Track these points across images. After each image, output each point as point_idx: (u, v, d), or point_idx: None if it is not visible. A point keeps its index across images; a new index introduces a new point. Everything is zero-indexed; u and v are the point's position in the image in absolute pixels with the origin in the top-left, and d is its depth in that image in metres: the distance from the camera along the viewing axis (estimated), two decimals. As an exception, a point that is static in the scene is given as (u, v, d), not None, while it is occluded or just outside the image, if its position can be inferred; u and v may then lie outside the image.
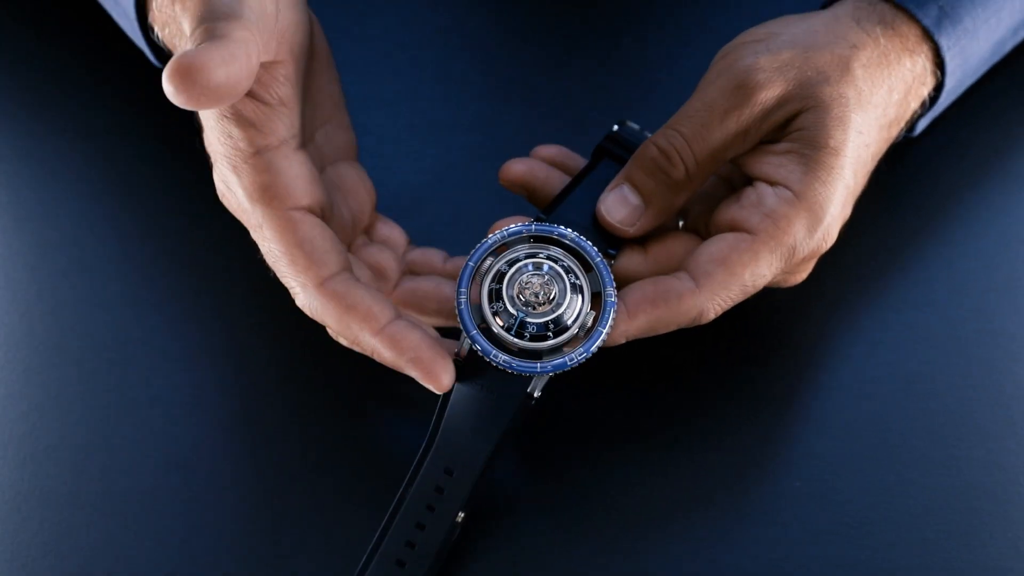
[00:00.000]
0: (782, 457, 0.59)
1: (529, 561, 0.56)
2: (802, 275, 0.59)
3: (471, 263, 0.54)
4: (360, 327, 0.54)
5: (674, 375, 0.61)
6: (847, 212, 0.57)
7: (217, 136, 0.54)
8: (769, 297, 0.60)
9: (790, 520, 0.57)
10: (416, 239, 0.64)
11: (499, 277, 0.54)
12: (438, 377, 0.53)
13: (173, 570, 0.56)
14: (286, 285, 0.56)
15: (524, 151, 0.63)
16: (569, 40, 0.73)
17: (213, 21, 0.51)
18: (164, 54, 0.64)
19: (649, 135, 0.60)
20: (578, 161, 0.62)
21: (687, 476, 0.58)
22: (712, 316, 0.55)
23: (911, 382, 0.61)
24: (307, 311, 0.55)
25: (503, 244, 0.55)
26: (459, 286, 0.54)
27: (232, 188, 0.55)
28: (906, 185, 0.67)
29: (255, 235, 0.56)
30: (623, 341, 0.55)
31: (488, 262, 0.55)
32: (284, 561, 0.56)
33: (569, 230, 0.55)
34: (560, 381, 0.60)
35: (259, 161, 0.54)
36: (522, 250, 0.55)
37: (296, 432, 0.60)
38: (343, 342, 0.56)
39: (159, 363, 0.61)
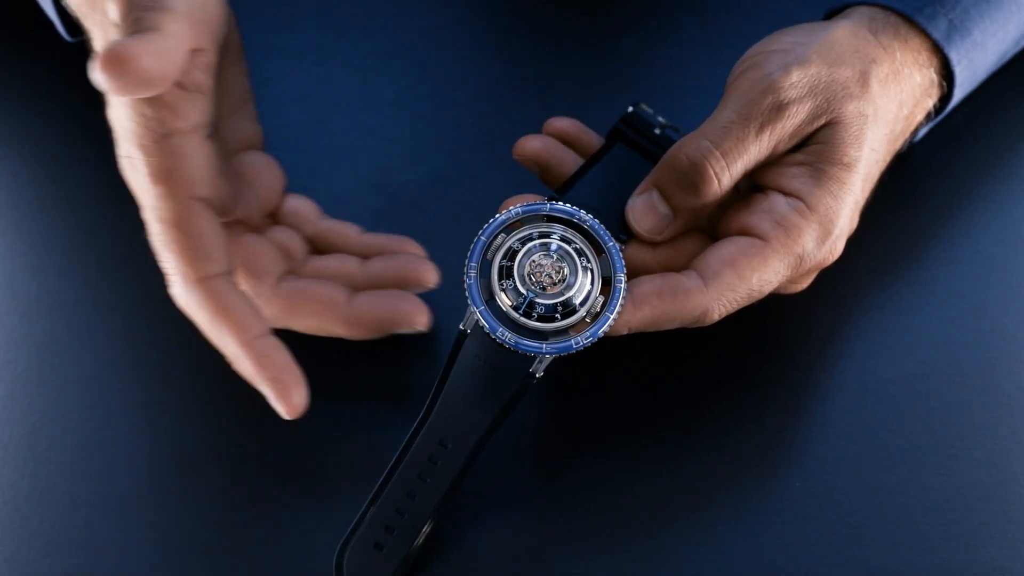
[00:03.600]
0: (782, 457, 0.59)
1: (529, 560, 0.56)
2: (803, 284, 0.59)
3: (483, 237, 0.54)
4: (230, 333, 0.54)
5: (674, 375, 0.61)
6: (854, 225, 0.57)
7: (127, 112, 0.54)
8: (771, 298, 0.60)
9: (790, 520, 0.57)
10: (416, 239, 0.64)
11: (511, 255, 0.54)
12: (287, 399, 0.54)
13: (173, 569, 0.56)
14: (165, 270, 0.55)
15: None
16: (570, 39, 0.73)
17: (143, 10, 0.51)
18: (76, 27, 0.62)
19: (662, 120, 0.60)
20: (592, 137, 0.62)
21: (688, 476, 0.58)
22: (716, 317, 0.55)
23: (911, 383, 0.61)
24: (179, 302, 0.55)
25: (516, 221, 0.55)
26: (469, 259, 0.54)
27: (136, 166, 0.54)
28: (906, 186, 0.67)
29: (147, 215, 0.55)
30: (625, 332, 0.55)
31: (500, 238, 0.54)
32: (282, 553, 0.56)
33: (584, 212, 0.55)
34: (560, 379, 0.61)
35: (167, 144, 0.54)
36: (535, 229, 0.55)
37: (295, 427, 0.59)
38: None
39: (159, 363, 0.61)
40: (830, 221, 0.55)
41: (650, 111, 0.61)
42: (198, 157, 0.54)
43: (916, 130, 0.62)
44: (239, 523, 0.57)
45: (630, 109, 0.61)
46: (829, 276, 0.61)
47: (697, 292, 0.54)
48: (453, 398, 0.55)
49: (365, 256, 0.61)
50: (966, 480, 0.58)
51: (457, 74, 0.72)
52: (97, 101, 0.70)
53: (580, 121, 0.63)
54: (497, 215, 0.55)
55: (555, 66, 0.72)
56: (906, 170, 0.67)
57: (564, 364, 0.57)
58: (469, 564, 0.56)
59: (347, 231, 0.62)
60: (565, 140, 0.62)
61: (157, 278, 0.64)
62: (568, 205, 0.55)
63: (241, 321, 0.54)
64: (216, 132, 0.57)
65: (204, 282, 0.54)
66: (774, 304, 0.62)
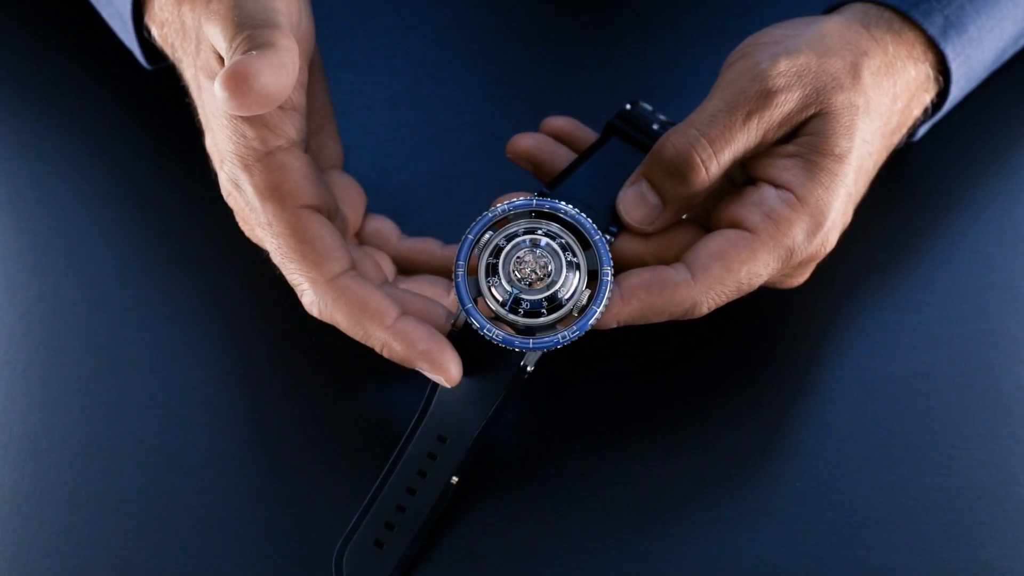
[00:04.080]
0: (782, 457, 0.59)
1: (528, 558, 0.56)
2: (800, 279, 0.59)
3: (470, 236, 0.55)
4: (371, 323, 0.54)
5: (673, 374, 0.61)
6: (847, 218, 0.57)
7: (228, 135, 0.55)
8: (770, 296, 0.60)
9: (790, 520, 0.57)
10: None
11: (497, 252, 0.54)
12: (447, 369, 0.54)
13: (173, 569, 0.56)
14: (293, 283, 0.56)
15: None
16: (570, 39, 0.73)
17: (254, 28, 0.52)
18: (156, 54, 0.64)
19: (662, 117, 0.60)
20: (588, 134, 0.62)
21: (687, 475, 0.58)
22: (706, 310, 0.55)
23: (911, 382, 0.61)
24: (315, 310, 0.55)
25: (504, 218, 0.55)
26: (457, 258, 0.54)
27: (242, 186, 0.55)
28: (906, 185, 0.67)
29: (262, 234, 0.56)
30: (614, 325, 0.55)
31: (488, 236, 0.55)
32: (283, 553, 0.56)
33: (570, 206, 0.55)
34: (560, 376, 0.61)
35: (271, 160, 0.55)
36: (521, 225, 0.55)
37: (294, 427, 0.60)
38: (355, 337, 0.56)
39: (158, 363, 0.61)
40: (821, 213, 0.55)
41: (649, 108, 0.61)
42: (300, 170, 0.55)
43: (915, 127, 0.62)
44: (239, 523, 0.57)
45: (628, 106, 0.61)
46: (828, 274, 0.61)
47: (685, 285, 0.54)
48: (448, 395, 0.55)
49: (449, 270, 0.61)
50: (966, 480, 0.58)
51: (457, 74, 0.72)
52: (99, 102, 0.70)
53: (577, 120, 0.63)
54: (485, 213, 0.55)
55: (555, 66, 0.72)
56: (905, 169, 0.67)
57: (562, 359, 0.57)
58: (465, 559, 0.56)
59: (429, 247, 0.62)
60: (561, 138, 0.62)
61: (156, 278, 0.64)
62: (554, 200, 0.55)
63: (379, 309, 0.54)
64: (307, 149, 0.58)
65: (334, 282, 0.55)
66: (773, 302, 0.62)
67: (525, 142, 0.61)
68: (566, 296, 0.54)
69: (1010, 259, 0.64)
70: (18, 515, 0.57)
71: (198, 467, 0.58)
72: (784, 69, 0.55)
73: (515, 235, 0.54)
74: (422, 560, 0.56)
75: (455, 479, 0.55)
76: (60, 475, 0.58)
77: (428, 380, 0.55)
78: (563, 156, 0.61)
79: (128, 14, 0.62)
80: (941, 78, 0.61)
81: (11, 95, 0.71)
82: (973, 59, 0.61)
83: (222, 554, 0.56)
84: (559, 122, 0.62)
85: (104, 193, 0.67)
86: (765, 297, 0.60)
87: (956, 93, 0.62)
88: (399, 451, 0.56)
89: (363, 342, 0.55)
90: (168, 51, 0.60)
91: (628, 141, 0.60)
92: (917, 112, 0.61)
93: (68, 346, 0.62)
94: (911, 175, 0.67)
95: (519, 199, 0.55)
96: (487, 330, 0.53)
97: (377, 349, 0.55)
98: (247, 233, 0.58)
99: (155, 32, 0.61)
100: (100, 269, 0.64)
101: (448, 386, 0.54)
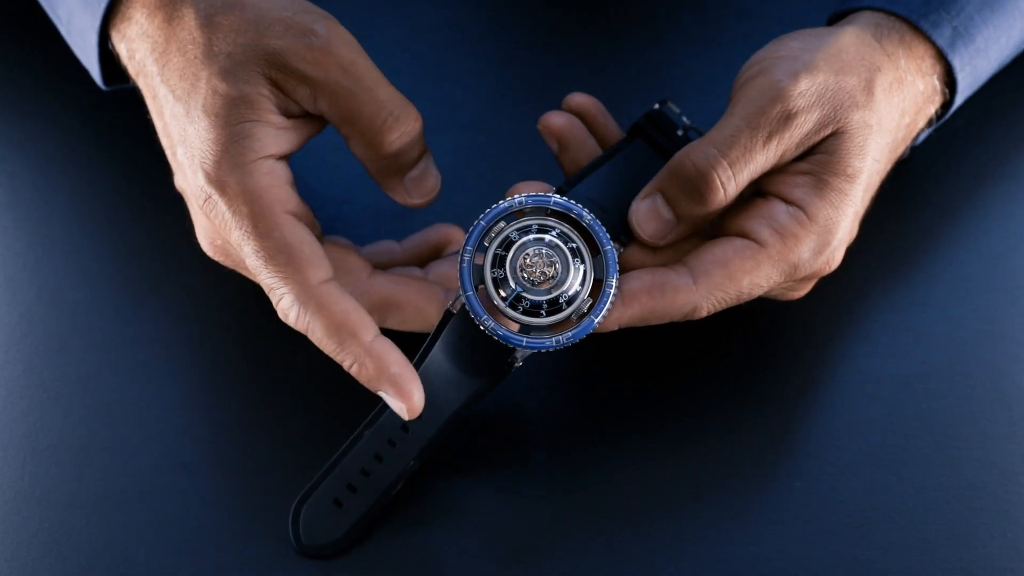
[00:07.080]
0: (783, 457, 0.59)
1: (527, 557, 0.56)
2: (802, 292, 0.59)
3: (483, 222, 0.54)
4: (349, 337, 0.52)
5: (675, 375, 0.61)
6: (853, 234, 0.57)
7: (207, 143, 0.53)
8: (771, 300, 0.60)
9: (790, 520, 0.57)
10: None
11: (506, 244, 0.54)
12: (411, 398, 0.53)
13: (173, 570, 0.56)
14: (270, 287, 0.53)
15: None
16: (571, 40, 0.73)
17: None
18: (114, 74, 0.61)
19: (686, 121, 0.60)
20: (609, 121, 0.61)
21: (688, 476, 0.58)
22: (705, 313, 0.55)
23: (911, 382, 0.61)
24: (291, 316, 0.53)
25: (520, 210, 0.54)
26: (466, 243, 0.54)
27: (223, 190, 0.53)
28: (907, 188, 0.67)
29: (240, 238, 0.53)
30: (615, 328, 0.55)
31: (500, 225, 0.54)
32: (280, 551, 0.56)
33: (586, 211, 0.54)
34: (562, 376, 0.61)
35: (254, 165, 0.53)
36: (535, 221, 0.54)
37: (293, 428, 0.60)
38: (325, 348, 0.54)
39: (159, 363, 0.61)
40: (829, 232, 0.55)
41: (676, 110, 0.60)
42: (285, 176, 0.54)
43: (916, 135, 0.62)
44: (239, 524, 0.57)
45: (656, 106, 0.60)
46: (830, 276, 0.61)
47: (686, 289, 0.54)
48: (432, 373, 0.55)
49: (416, 262, 0.61)
50: (966, 480, 0.58)
51: (457, 74, 0.72)
52: (97, 101, 0.70)
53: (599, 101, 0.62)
54: (501, 201, 0.54)
55: (555, 66, 0.72)
56: (907, 172, 0.67)
57: (563, 358, 0.57)
58: (465, 558, 0.56)
59: (389, 248, 0.61)
60: (584, 118, 0.61)
61: (156, 277, 0.64)
62: (573, 202, 0.54)
63: (360, 323, 0.53)
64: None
65: (317, 289, 0.53)
66: (775, 305, 0.62)
67: (557, 121, 0.60)
68: (567, 301, 0.54)
69: (1010, 260, 0.64)
70: (18, 515, 0.57)
71: (198, 468, 0.58)
72: (804, 88, 0.55)
73: (528, 230, 0.54)
74: (423, 560, 0.56)
75: (412, 462, 0.55)
76: (60, 475, 0.58)
77: (413, 354, 0.55)
78: (589, 145, 0.60)
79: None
80: (947, 90, 0.61)
81: (11, 95, 0.71)
82: (979, 69, 0.61)
83: (222, 555, 0.56)
84: (582, 99, 0.61)
85: (105, 194, 0.67)
86: (766, 299, 0.59)
87: (959, 101, 0.62)
88: (372, 418, 0.56)
89: (331, 354, 0.53)
90: (135, 78, 0.58)
91: (652, 146, 0.59)
92: (922, 124, 0.61)
93: (68, 346, 0.62)
94: (912, 178, 0.67)
95: (537, 195, 0.54)
96: (483, 320, 0.53)
97: (346, 365, 0.53)
98: (213, 249, 0.57)
99: (122, 49, 0.58)
100: (100, 269, 0.64)
101: (406, 418, 0.53)
